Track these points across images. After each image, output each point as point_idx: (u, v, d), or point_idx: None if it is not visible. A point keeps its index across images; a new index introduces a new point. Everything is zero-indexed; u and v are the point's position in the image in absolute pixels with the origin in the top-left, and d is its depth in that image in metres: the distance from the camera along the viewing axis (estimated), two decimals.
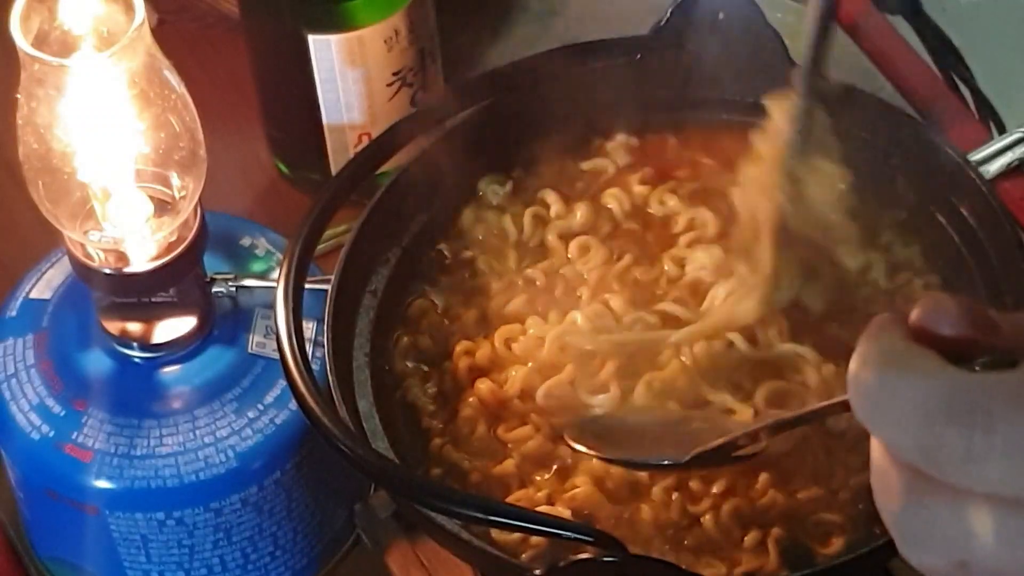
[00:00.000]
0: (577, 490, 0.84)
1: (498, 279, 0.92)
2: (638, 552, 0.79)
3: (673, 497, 0.83)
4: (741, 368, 0.87)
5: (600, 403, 0.86)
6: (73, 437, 0.89)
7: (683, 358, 0.87)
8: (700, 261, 0.91)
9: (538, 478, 0.85)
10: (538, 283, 0.92)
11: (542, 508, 0.83)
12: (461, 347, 0.89)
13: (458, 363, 0.89)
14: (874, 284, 0.90)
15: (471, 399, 0.87)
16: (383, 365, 0.88)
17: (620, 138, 0.97)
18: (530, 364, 0.88)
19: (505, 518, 0.78)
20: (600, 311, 0.89)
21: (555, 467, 0.85)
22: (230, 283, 0.93)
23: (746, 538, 0.82)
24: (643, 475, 0.84)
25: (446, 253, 0.93)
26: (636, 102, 0.96)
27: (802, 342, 0.88)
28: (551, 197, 0.95)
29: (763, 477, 0.83)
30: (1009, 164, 1.00)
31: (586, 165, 0.96)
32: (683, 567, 0.77)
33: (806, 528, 0.83)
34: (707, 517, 0.83)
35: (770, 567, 0.82)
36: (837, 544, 0.82)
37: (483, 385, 0.88)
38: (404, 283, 0.92)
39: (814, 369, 0.87)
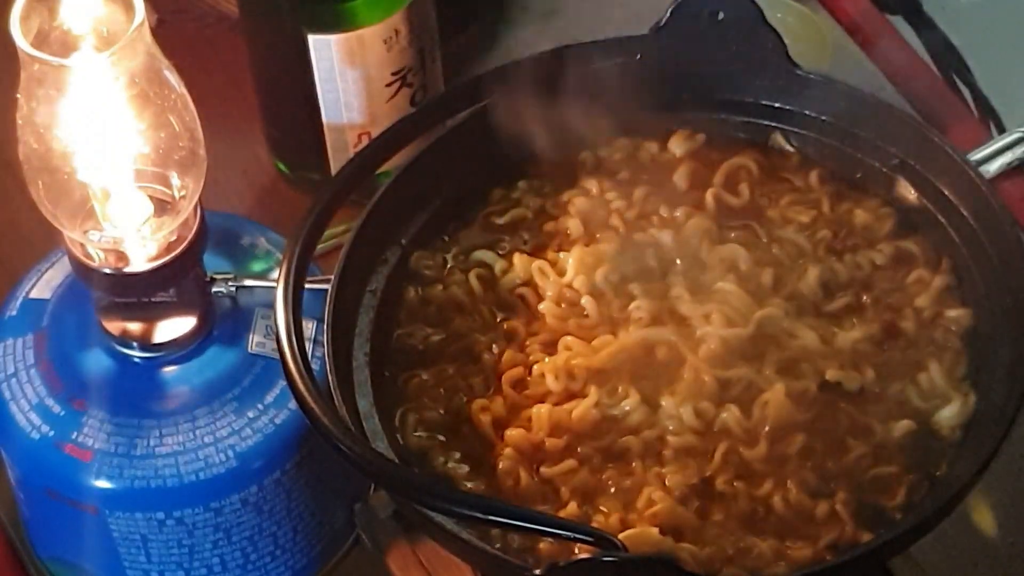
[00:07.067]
0: (657, 507, 0.83)
1: (477, 336, 0.91)
2: (644, 552, 0.79)
3: (736, 485, 0.83)
4: (744, 347, 0.87)
5: (626, 410, 0.86)
6: (73, 437, 0.89)
7: (688, 356, 0.87)
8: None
9: (603, 507, 0.84)
10: (519, 326, 0.91)
11: (627, 534, 0.81)
12: (478, 405, 0.87)
13: (480, 420, 0.87)
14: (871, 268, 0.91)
15: (506, 451, 0.86)
16: (395, 437, 0.87)
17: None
18: (548, 400, 0.87)
19: (505, 518, 0.78)
20: (589, 322, 0.89)
21: (612, 491, 0.84)
22: (230, 283, 0.93)
23: (816, 510, 0.83)
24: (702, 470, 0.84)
25: (418, 340, 0.91)
26: (635, 102, 0.96)
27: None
28: (488, 256, 0.93)
29: (799, 438, 0.84)
30: (1009, 164, 1.00)
31: (503, 219, 0.95)
32: (684, 567, 0.77)
33: (866, 486, 0.83)
34: (776, 499, 0.83)
35: (848, 533, 0.82)
36: (902, 494, 0.83)
37: (514, 432, 0.86)
38: (404, 283, 0.92)
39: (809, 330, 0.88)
